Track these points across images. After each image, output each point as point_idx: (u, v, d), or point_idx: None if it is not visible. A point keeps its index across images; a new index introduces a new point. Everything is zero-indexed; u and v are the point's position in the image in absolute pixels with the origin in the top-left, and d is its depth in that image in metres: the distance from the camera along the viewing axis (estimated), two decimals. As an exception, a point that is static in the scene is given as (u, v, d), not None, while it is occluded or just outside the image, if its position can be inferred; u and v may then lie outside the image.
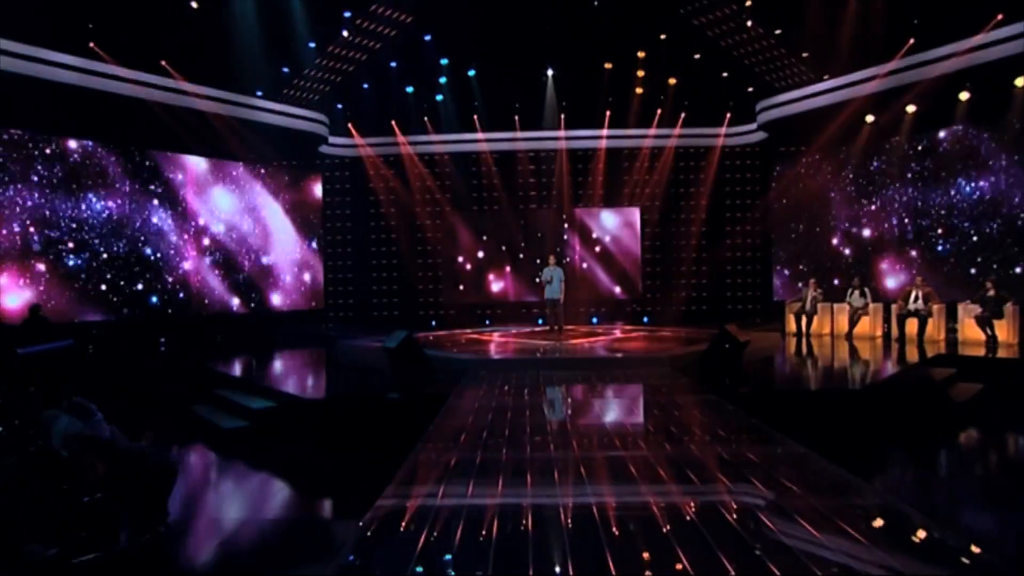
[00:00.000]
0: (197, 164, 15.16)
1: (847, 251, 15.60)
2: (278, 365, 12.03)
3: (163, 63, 13.53)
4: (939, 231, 13.93)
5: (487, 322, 16.30)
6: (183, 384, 10.15)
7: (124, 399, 10.29)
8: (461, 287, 17.92)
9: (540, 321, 14.93)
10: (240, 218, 15.97)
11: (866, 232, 15.33)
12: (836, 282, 15.61)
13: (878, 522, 4.05)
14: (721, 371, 9.80)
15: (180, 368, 11.34)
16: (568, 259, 17.78)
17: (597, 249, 17.81)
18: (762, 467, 5.10)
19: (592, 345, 12.09)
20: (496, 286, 17.94)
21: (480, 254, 17.92)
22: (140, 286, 14.07)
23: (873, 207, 15.23)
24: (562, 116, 17.07)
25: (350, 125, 17.34)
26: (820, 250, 16.14)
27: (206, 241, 15.28)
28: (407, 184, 17.75)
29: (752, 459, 5.30)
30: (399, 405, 8.31)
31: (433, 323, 16.51)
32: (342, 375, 10.99)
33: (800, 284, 15.83)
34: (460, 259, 17.96)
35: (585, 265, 17.80)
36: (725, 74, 15.67)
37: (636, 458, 5.41)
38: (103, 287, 13.49)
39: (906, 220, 14.60)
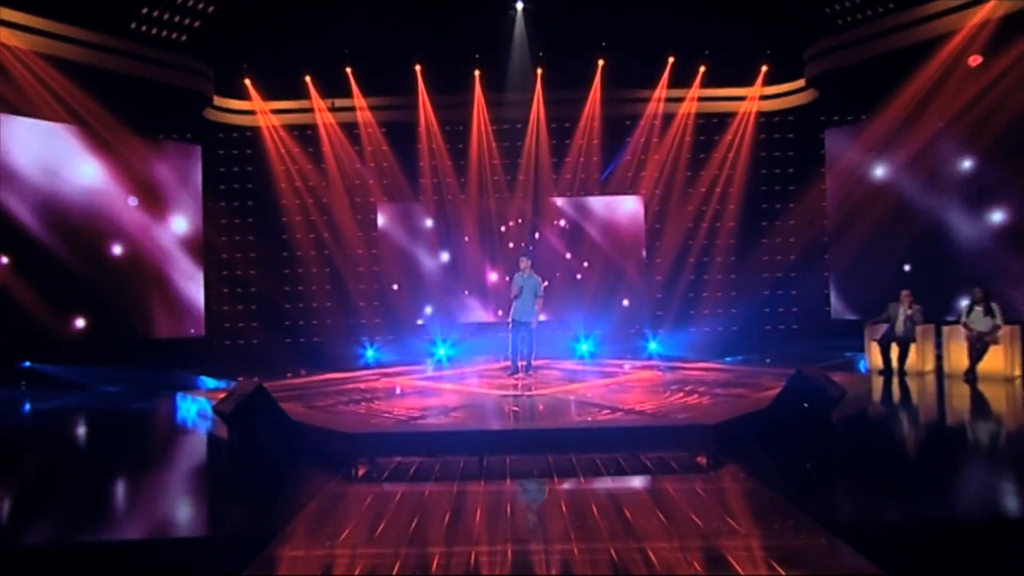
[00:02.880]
0: None
1: (950, 250, 11.73)
2: (25, 450, 7.56)
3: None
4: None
5: (439, 355, 12.86)
6: None
7: None
8: (402, 305, 14.79)
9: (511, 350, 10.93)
10: (69, 205, 11.90)
11: (979, 223, 11.49)
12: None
13: None
14: (801, 452, 6.12)
15: None
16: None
17: (586, 251, 14.87)
18: None
19: (577, 398, 8.33)
20: (450, 303, 14.79)
21: (427, 260, 14.83)
22: None
23: (981, 188, 11.47)
24: (538, 71, 14.19)
25: (247, 82, 13.91)
26: (903, 249, 12.42)
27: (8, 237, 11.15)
28: (323, 164, 14.53)
29: None
30: (178, 555, 4.20)
31: (365, 356, 13.19)
32: (129, 470, 6.62)
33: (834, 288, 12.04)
34: (400, 267, 14.81)
35: (569, 273, 14.83)
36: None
37: None
38: None
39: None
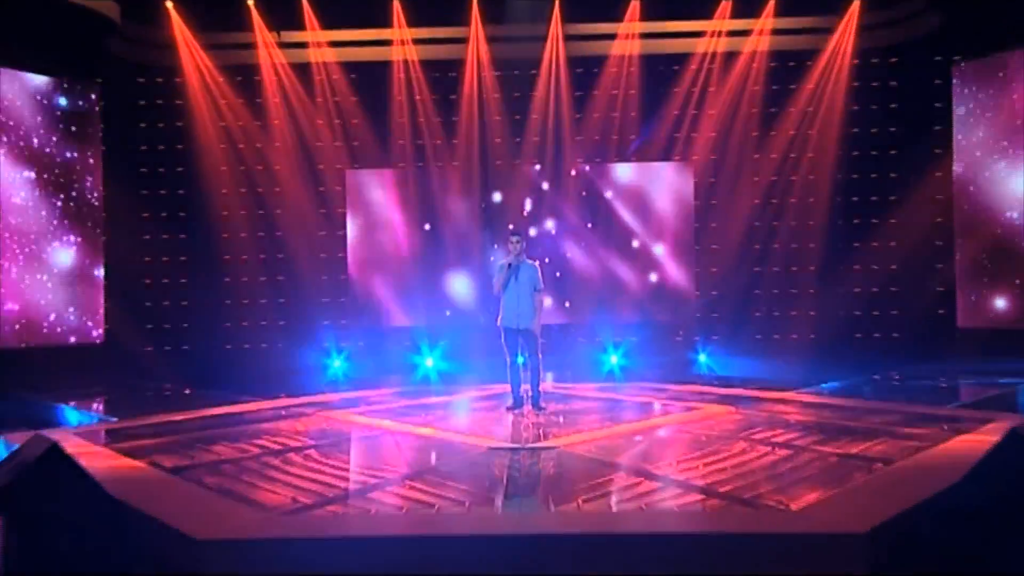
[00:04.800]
0: None
1: None
2: None
3: None
4: None
5: (424, 369, 11.73)
6: None
7: None
8: (379, 301, 13.55)
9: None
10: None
11: None
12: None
13: None
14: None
15: None
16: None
17: (616, 234, 13.55)
18: None
19: (610, 456, 6.06)
20: (436, 299, 13.47)
21: (405, 243, 13.52)
22: None
23: None
24: (556, -4, 13.09)
25: (168, 5, 12.33)
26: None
27: None
28: (269, 119, 13.02)
29: None
30: None
31: (330, 368, 12.04)
32: None
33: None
34: (375, 253, 13.56)
35: (592, 262, 13.51)
36: None
37: None
38: None
39: None
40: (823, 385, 9.31)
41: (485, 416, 8.06)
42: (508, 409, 7.92)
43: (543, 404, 7.91)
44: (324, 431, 7.22)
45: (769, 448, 5.90)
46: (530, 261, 8.02)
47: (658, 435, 6.94)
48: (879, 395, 8.79)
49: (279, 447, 6.36)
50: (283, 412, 8.25)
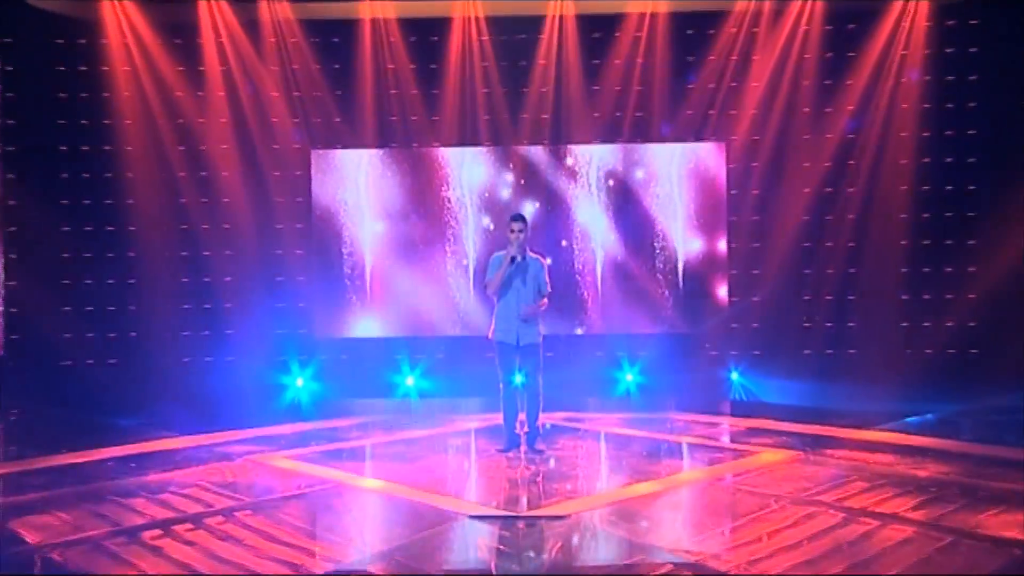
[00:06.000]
0: None
1: None
2: None
3: None
4: None
5: (404, 388, 11.63)
6: None
7: None
8: (341, 308, 12.93)
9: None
10: None
11: None
12: None
13: None
14: None
15: None
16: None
17: (632, 228, 12.91)
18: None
19: (640, 532, 5.09)
20: (416, 308, 12.80)
21: (379, 237, 12.95)
22: None
23: None
24: (560, -62, 12.56)
25: None
26: None
27: None
28: (206, 86, 12.33)
29: None
30: None
31: (291, 389, 11.65)
32: None
33: None
34: (346, 250, 12.94)
35: (606, 262, 12.86)
36: None
37: None
38: None
39: None
40: (908, 419, 8.29)
41: (471, 462, 7.13)
42: (500, 452, 6.97)
43: (540, 445, 6.97)
44: (254, 486, 6.17)
45: (860, 518, 4.79)
46: (534, 255, 7.13)
47: (702, 494, 5.91)
48: (996, 436, 7.45)
49: (196, 509, 5.34)
50: (209, 454, 7.29)
